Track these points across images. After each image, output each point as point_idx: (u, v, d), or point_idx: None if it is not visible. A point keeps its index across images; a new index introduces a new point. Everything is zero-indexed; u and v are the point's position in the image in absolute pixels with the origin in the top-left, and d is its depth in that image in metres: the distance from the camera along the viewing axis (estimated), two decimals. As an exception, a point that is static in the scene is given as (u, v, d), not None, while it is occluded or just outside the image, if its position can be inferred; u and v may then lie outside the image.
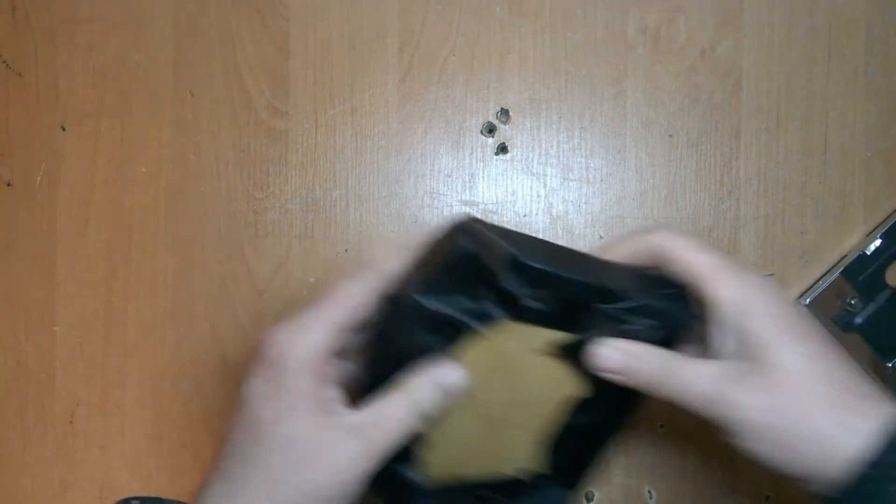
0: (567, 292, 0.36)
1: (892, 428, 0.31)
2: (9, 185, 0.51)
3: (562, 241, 0.49)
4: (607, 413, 0.40)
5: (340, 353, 0.36)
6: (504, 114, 0.50)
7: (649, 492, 0.49)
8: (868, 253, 0.48)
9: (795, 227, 0.49)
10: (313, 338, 0.34)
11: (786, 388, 0.33)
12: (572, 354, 0.37)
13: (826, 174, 0.49)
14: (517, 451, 0.40)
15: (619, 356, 0.35)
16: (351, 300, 0.35)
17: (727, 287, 0.35)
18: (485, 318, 0.36)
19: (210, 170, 0.50)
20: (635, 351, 0.36)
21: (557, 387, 0.39)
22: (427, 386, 0.35)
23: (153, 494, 0.35)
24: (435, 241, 0.37)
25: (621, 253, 0.38)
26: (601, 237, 0.50)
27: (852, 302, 0.47)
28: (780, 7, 0.49)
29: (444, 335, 0.36)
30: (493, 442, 0.40)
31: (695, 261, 0.36)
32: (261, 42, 0.50)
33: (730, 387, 0.34)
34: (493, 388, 0.38)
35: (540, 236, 0.49)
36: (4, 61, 0.51)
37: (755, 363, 0.34)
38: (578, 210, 0.50)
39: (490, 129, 0.50)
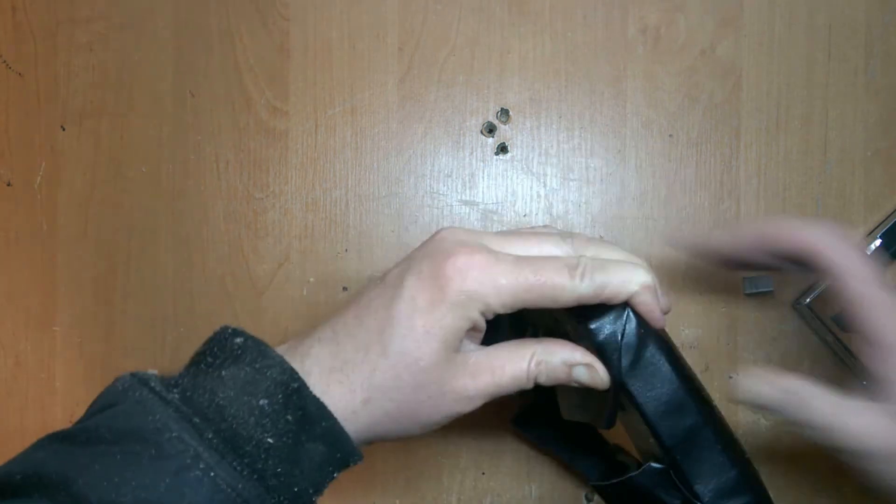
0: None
1: None
2: (9, 185, 0.51)
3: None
4: None
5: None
6: (504, 114, 0.50)
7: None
8: (868, 253, 0.48)
9: (795, 227, 0.49)
10: (496, 292, 0.33)
11: None
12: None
13: (826, 174, 0.49)
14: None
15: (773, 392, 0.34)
16: (548, 292, 0.33)
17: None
18: None
19: (210, 170, 0.50)
20: (793, 387, 0.34)
21: None
22: (559, 359, 0.34)
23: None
24: None
25: (757, 235, 0.37)
26: (601, 237, 0.50)
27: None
28: (780, 7, 0.49)
29: None
30: None
31: (860, 290, 0.34)
32: (261, 42, 0.50)
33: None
34: None
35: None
36: (4, 61, 0.51)
37: None
38: (578, 210, 0.50)
39: (490, 129, 0.50)
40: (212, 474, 0.29)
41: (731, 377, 0.49)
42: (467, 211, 0.50)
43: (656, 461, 0.35)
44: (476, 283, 0.32)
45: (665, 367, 0.34)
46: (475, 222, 0.50)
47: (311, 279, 0.50)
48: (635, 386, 0.34)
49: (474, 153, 0.50)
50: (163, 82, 0.51)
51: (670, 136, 0.50)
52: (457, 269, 0.33)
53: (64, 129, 0.51)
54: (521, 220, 0.50)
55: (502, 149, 0.50)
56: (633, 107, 0.50)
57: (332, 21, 0.50)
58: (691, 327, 0.49)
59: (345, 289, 0.50)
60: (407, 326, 0.33)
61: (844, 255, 0.35)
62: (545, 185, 0.50)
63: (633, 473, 0.36)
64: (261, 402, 0.31)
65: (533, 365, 0.34)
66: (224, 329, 0.34)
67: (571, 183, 0.50)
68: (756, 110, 0.49)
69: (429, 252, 0.34)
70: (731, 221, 0.49)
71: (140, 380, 0.32)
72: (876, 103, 0.49)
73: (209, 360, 0.33)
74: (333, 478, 0.33)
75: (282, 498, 0.31)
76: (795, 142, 0.49)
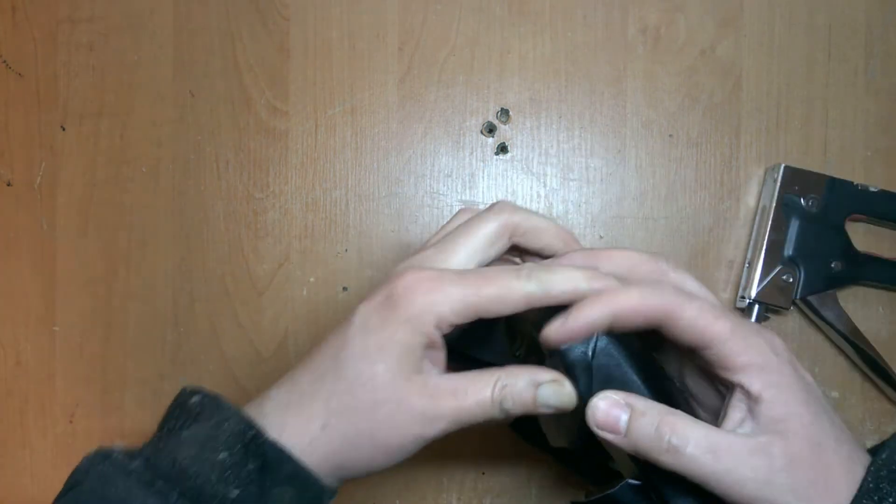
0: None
1: None
2: (9, 185, 0.51)
3: (562, 241, 0.50)
4: None
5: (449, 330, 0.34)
6: (504, 114, 0.50)
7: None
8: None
9: (795, 227, 0.49)
10: (447, 301, 0.32)
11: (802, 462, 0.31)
12: None
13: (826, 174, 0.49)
14: None
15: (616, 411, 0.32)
16: (496, 294, 0.33)
17: (757, 379, 0.31)
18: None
19: (210, 170, 0.50)
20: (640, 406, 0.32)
21: None
22: (524, 381, 0.33)
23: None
24: None
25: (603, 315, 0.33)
26: (601, 237, 0.50)
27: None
28: (780, 7, 0.49)
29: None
30: None
31: (710, 328, 0.32)
32: (261, 42, 0.50)
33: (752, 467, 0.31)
34: None
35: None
36: (4, 61, 0.51)
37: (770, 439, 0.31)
38: (578, 210, 0.50)
39: (490, 129, 0.50)
40: None
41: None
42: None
43: (634, 477, 0.35)
44: (425, 296, 0.32)
45: (638, 386, 0.33)
46: (475, 222, 0.50)
47: (311, 279, 0.50)
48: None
49: (474, 153, 0.50)
50: (163, 82, 0.51)
51: (670, 136, 0.50)
52: (405, 287, 0.32)
53: (64, 129, 0.51)
54: (521, 220, 0.50)
55: (502, 149, 0.50)
56: (633, 107, 0.50)
57: (332, 21, 0.50)
58: (691, 327, 0.49)
59: (345, 289, 0.50)
60: (361, 346, 0.32)
61: (680, 304, 0.32)
62: (545, 185, 0.50)
63: (611, 490, 0.35)
64: (220, 456, 0.31)
65: (497, 389, 0.32)
66: (183, 391, 0.34)
67: (571, 183, 0.50)
68: (756, 110, 0.49)
69: (382, 283, 0.34)
70: (730, 221, 0.49)
71: (103, 455, 0.32)
72: (876, 103, 0.49)
73: (171, 423, 0.33)
74: None
75: None
76: (795, 142, 0.49)
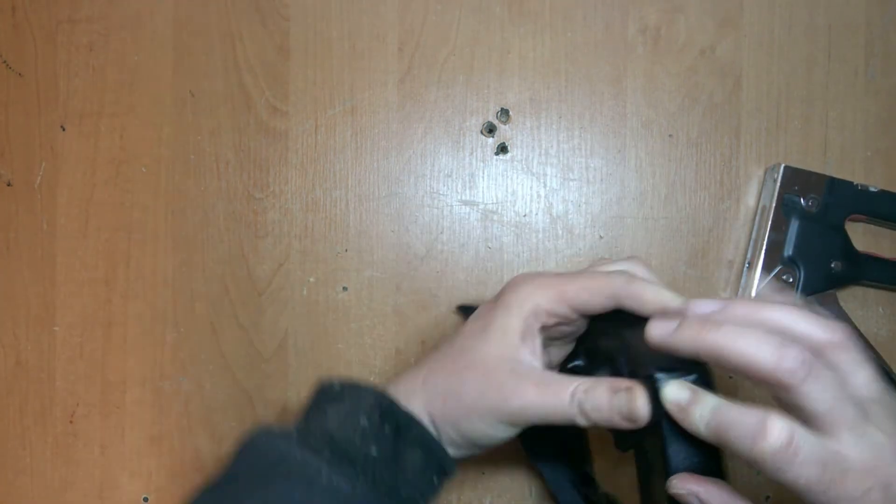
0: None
1: None
2: (9, 185, 0.51)
3: (562, 241, 0.50)
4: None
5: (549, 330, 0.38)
6: (504, 114, 0.50)
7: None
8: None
9: (795, 227, 0.49)
10: (542, 292, 0.37)
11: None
12: None
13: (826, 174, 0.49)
14: None
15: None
16: (592, 293, 0.36)
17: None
18: None
19: (210, 170, 0.50)
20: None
21: None
22: (604, 386, 0.34)
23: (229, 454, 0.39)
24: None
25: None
26: (601, 237, 0.50)
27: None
28: (780, 7, 0.49)
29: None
30: None
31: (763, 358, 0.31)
32: (261, 42, 0.50)
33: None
34: None
35: (540, 236, 0.49)
36: (4, 61, 0.51)
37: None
38: (578, 210, 0.50)
39: (490, 129, 0.50)
40: (334, 483, 0.34)
41: (731, 377, 0.49)
42: (467, 211, 0.50)
43: None
44: (524, 288, 0.37)
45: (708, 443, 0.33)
46: (475, 222, 0.50)
47: (311, 279, 0.50)
48: (670, 436, 0.33)
49: (474, 153, 0.50)
50: (163, 82, 0.51)
51: (670, 136, 0.50)
52: (511, 284, 0.38)
53: (64, 129, 0.51)
54: (521, 220, 0.50)
55: (502, 149, 0.50)
56: (633, 107, 0.50)
57: (332, 21, 0.50)
58: (691, 327, 0.49)
59: (345, 289, 0.50)
60: (469, 329, 0.38)
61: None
62: (545, 185, 0.50)
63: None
64: (362, 422, 0.36)
65: (579, 390, 0.34)
66: (322, 381, 0.39)
67: (571, 183, 0.50)
68: (756, 110, 0.49)
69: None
70: (730, 221, 0.49)
71: (263, 429, 0.37)
72: (876, 103, 0.49)
73: (314, 407, 0.38)
74: (435, 487, 0.37)
75: (397, 500, 0.35)
76: (795, 142, 0.49)
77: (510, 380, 0.35)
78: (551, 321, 0.37)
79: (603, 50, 0.50)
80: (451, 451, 0.37)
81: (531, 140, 0.50)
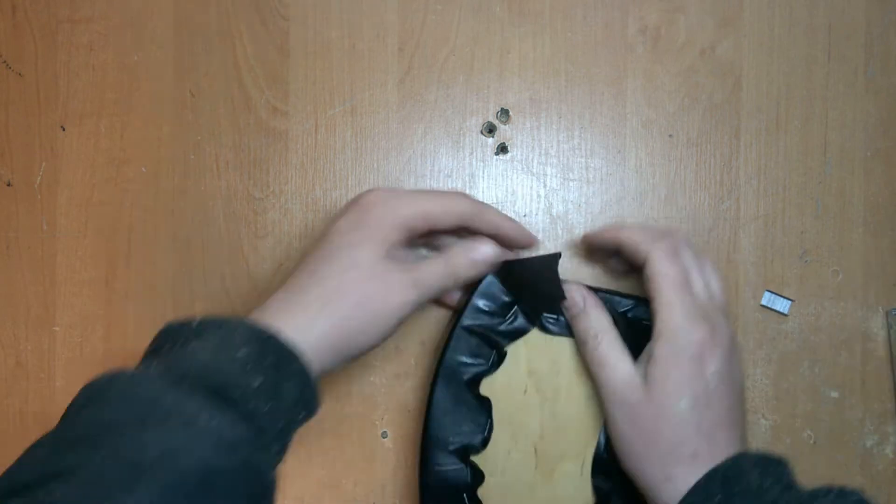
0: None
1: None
2: (9, 185, 0.51)
3: (562, 241, 0.50)
4: None
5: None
6: (504, 114, 0.50)
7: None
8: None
9: (795, 226, 0.49)
10: (409, 206, 0.40)
11: (651, 427, 0.40)
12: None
13: (826, 174, 0.49)
14: (571, 488, 0.45)
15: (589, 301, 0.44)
16: (447, 212, 0.41)
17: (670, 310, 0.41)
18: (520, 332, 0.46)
19: (210, 170, 0.50)
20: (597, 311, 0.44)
21: (592, 404, 0.45)
22: (461, 248, 0.42)
23: None
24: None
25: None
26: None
27: None
28: (780, 7, 0.50)
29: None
30: (550, 481, 0.45)
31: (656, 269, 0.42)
32: (261, 42, 0.50)
33: (623, 397, 0.41)
34: (540, 415, 0.45)
35: (540, 236, 0.49)
36: (4, 61, 0.51)
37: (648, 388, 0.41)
38: (578, 210, 0.50)
39: (490, 129, 0.50)
40: (214, 424, 0.32)
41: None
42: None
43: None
44: (387, 204, 0.40)
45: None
46: (475, 222, 0.50)
47: (311, 279, 0.50)
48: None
49: (474, 153, 0.50)
50: (163, 82, 0.51)
51: (670, 136, 0.50)
52: (372, 201, 0.41)
53: (64, 129, 0.51)
54: (521, 220, 0.50)
55: (502, 149, 0.50)
56: (633, 107, 0.50)
57: (332, 21, 0.50)
58: (691, 327, 0.49)
59: (345, 289, 0.50)
60: (345, 242, 0.40)
61: (644, 242, 0.43)
62: (545, 185, 0.50)
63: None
64: (239, 353, 0.35)
65: (447, 262, 0.42)
66: (169, 323, 0.38)
67: (571, 183, 0.50)
68: (756, 110, 0.49)
69: (350, 203, 0.42)
70: (730, 221, 0.49)
71: (116, 371, 0.34)
72: (876, 103, 0.49)
73: (167, 346, 0.36)
74: (299, 422, 0.37)
75: (269, 436, 0.35)
76: (795, 142, 0.49)
77: (404, 276, 0.39)
78: (408, 235, 0.41)
79: (603, 50, 0.50)
80: (337, 361, 0.39)
81: (531, 140, 0.50)
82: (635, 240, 0.43)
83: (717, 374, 0.40)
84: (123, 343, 0.50)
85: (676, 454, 0.39)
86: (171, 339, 0.36)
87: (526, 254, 0.46)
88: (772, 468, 0.39)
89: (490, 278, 0.45)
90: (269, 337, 0.36)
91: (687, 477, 0.39)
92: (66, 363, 0.50)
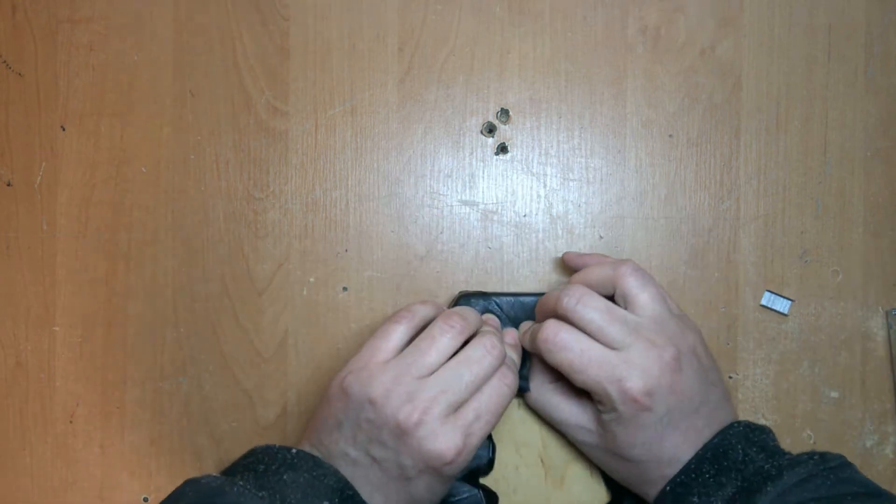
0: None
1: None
2: (9, 185, 0.51)
3: (562, 241, 0.50)
4: None
5: None
6: (504, 114, 0.50)
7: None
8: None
9: (795, 226, 0.49)
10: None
11: (619, 459, 0.42)
12: None
13: (826, 174, 0.49)
14: (585, 490, 0.46)
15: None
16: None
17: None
18: None
19: (210, 170, 0.50)
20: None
21: None
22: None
23: (210, 474, 0.39)
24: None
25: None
26: (601, 237, 0.50)
27: None
28: (780, 7, 0.49)
29: None
30: (562, 488, 0.47)
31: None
32: (261, 42, 0.50)
33: (582, 440, 0.44)
34: (539, 426, 0.47)
35: (540, 236, 0.50)
36: (4, 61, 0.51)
37: None
38: (578, 210, 0.50)
39: (490, 129, 0.50)
40: None
41: (731, 377, 0.49)
42: (467, 211, 0.50)
43: None
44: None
45: None
46: (475, 222, 0.50)
47: (311, 279, 0.50)
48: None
49: (474, 153, 0.50)
50: (163, 82, 0.51)
51: (670, 136, 0.50)
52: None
53: (64, 129, 0.51)
54: (521, 221, 0.50)
55: (502, 149, 0.50)
56: (633, 107, 0.50)
57: (332, 21, 0.50)
58: (691, 327, 0.49)
59: (345, 289, 0.50)
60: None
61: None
62: (545, 185, 0.50)
63: None
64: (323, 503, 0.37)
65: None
66: (268, 446, 0.40)
67: (571, 183, 0.50)
68: (756, 110, 0.49)
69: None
70: (730, 221, 0.49)
71: (222, 482, 0.37)
72: (876, 103, 0.49)
73: (261, 467, 0.39)
74: None
75: None
76: (795, 142, 0.49)
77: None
78: None
79: (603, 50, 0.50)
80: None
81: (531, 140, 0.50)
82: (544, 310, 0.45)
83: (664, 393, 0.40)
84: (123, 343, 0.50)
85: (653, 470, 0.41)
86: (264, 462, 0.39)
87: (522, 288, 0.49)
88: (755, 436, 0.40)
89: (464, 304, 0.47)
90: (350, 496, 0.38)
91: (674, 470, 0.40)
92: (66, 363, 0.50)
